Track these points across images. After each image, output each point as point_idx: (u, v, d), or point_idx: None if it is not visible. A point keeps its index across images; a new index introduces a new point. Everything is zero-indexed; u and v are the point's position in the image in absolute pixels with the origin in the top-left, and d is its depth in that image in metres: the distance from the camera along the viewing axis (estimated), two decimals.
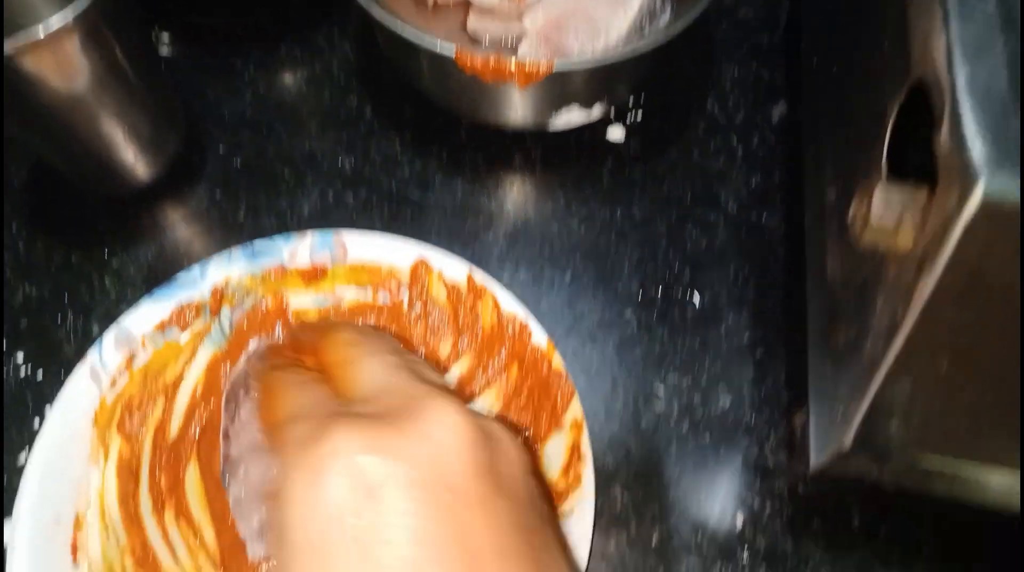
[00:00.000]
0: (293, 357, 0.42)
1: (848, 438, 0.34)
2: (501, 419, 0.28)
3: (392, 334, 0.47)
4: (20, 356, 0.48)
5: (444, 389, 0.27)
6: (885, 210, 0.31)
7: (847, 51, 0.43)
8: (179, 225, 0.53)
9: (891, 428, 0.33)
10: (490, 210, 0.53)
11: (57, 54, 0.43)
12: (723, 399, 0.46)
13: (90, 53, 0.44)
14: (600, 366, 0.47)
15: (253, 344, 0.45)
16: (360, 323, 0.46)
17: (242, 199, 0.53)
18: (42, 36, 0.40)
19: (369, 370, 0.29)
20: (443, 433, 0.24)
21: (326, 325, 0.41)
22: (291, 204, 0.53)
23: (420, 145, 0.55)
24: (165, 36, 0.60)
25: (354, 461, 0.23)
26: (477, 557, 0.22)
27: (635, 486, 0.44)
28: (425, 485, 0.23)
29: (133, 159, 0.51)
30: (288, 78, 0.58)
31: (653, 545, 0.42)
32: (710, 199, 0.52)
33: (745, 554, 0.42)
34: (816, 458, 0.37)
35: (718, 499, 0.44)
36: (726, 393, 0.46)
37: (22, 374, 0.47)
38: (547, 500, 0.27)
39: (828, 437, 0.36)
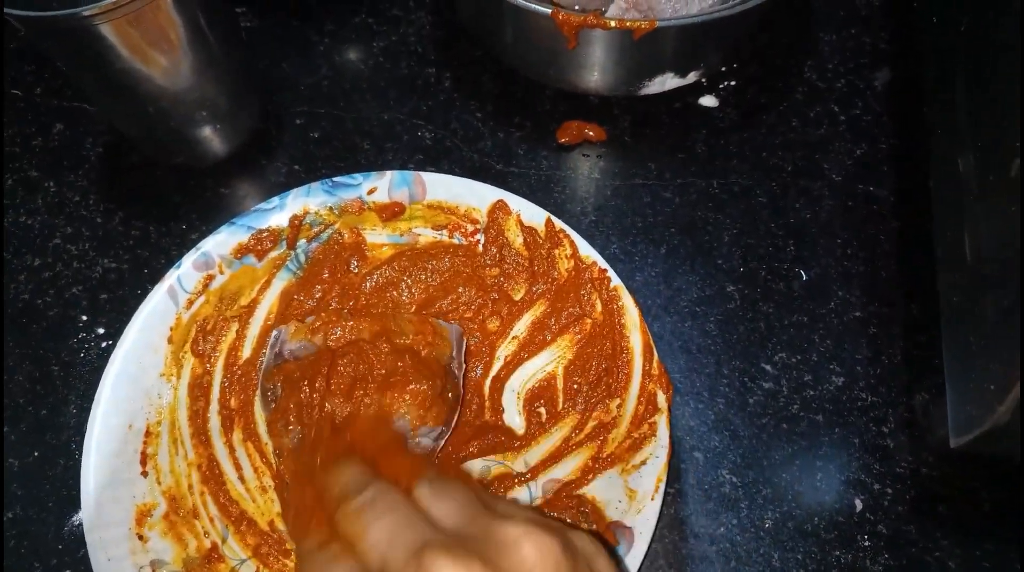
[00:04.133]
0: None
1: (1005, 412, 0.31)
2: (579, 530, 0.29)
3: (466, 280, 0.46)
4: (101, 330, 0.47)
5: (516, 513, 0.28)
6: None
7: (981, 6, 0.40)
8: (258, 198, 0.51)
9: None
10: (576, 182, 0.51)
11: (141, 18, 0.41)
12: (836, 378, 0.43)
13: (174, 18, 0.43)
14: (702, 343, 0.45)
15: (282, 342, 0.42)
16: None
17: (321, 171, 0.52)
18: None
19: (441, 502, 0.29)
20: (533, 556, 0.25)
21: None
22: None
23: (502, 116, 0.53)
24: (240, 9, 0.59)
25: None
26: None
27: (744, 468, 0.41)
28: None
29: (210, 131, 0.50)
30: (364, 49, 0.57)
31: (766, 529, 0.40)
32: (813, 169, 0.50)
33: (866, 540, 0.40)
34: (957, 436, 0.35)
35: (834, 482, 0.41)
36: (839, 372, 0.44)
37: (103, 347, 0.46)
38: None
39: (973, 413, 0.34)
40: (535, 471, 0.41)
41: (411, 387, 0.39)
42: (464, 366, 0.42)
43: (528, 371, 0.44)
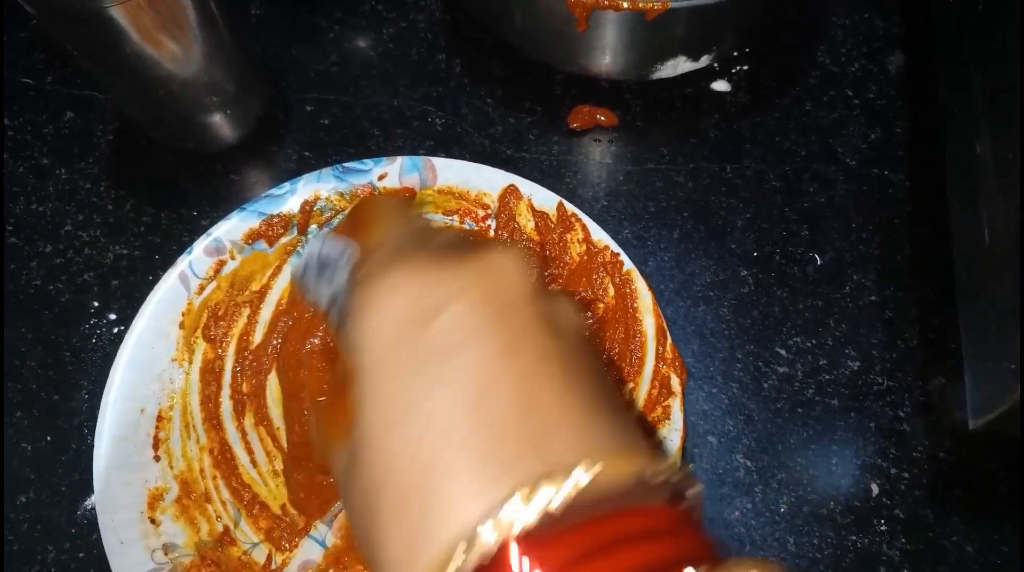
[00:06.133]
0: None
1: None
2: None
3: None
4: (112, 315, 0.47)
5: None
6: None
7: None
8: (268, 184, 0.51)
9: None
10: (588, 167, 0.50)
11: (154, 2, 0.41)
12: (851, 362, 0.43)
13: (185, 2, 0.43)
14: (716, 328, 0.45)
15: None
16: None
17: (331, 157, 0.51)
18: None
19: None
20: (500, 265, 0.24)
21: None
22: None
23: (513, 101, 0.53)
24: None
25: (412, 289, 0.24)
26: (528, 368, 0.22)
27: (759, 452, 0.41)
28: (483, 301, 0.23)
29: (220, 117, 0.50)
30: (373, 36, 0.56)
31: (781, 513, 0.40)
32: (827, 153, 0.49)
33: (882, 524, 0.39)
34: (976, 417, 0.34)
35: (850, 466, 0.41)
36: (854, 356, 0.43)
37: (115, 333, 0.46)
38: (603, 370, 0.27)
39: (992, 393, 0.33)
40: None
41: None
42: None
43: None
